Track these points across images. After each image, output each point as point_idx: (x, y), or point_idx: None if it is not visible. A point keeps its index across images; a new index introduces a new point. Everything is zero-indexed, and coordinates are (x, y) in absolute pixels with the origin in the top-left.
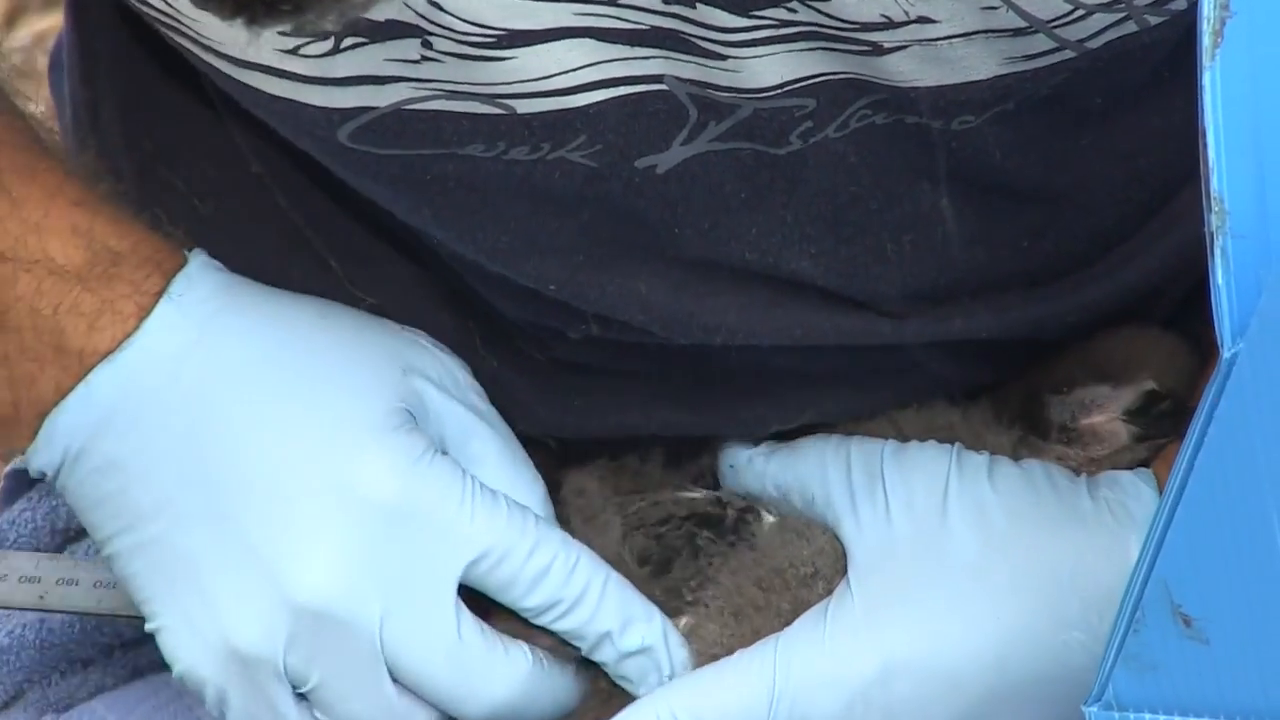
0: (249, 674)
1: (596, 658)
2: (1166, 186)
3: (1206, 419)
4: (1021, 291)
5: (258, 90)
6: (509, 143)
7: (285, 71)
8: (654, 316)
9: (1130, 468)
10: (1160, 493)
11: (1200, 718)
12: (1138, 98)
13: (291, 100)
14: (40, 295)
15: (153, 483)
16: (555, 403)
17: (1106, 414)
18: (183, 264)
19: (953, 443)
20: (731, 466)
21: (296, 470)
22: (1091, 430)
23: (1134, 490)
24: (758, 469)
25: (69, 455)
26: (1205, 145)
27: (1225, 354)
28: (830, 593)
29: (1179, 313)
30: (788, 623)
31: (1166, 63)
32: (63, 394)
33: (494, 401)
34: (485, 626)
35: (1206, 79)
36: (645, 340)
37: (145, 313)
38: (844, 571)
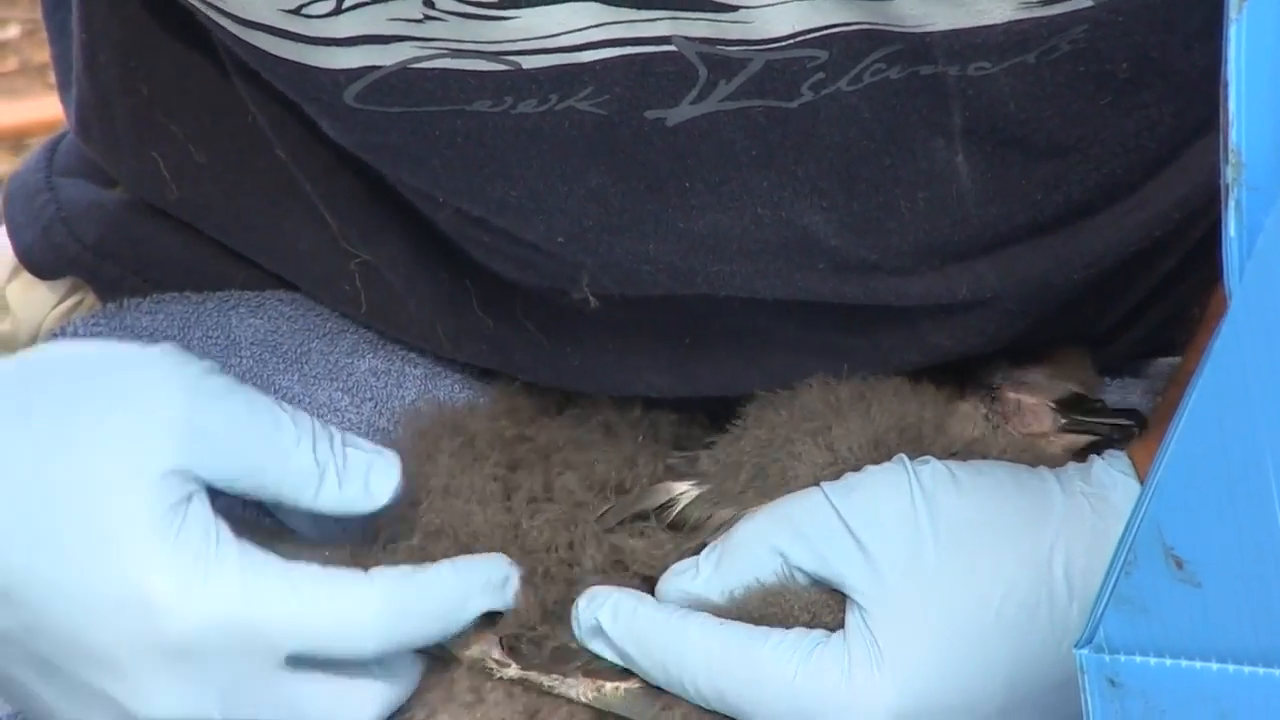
0: None
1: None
2: (1177, 136)
3: (1203, 365)
4: (1028, 242)
5: (264, 52)
6: (516, 97)
7: (288, 32)
8: (660, 271)
9: (1057, 457)
10: (1136, 478)
11: (1191, 660)
12: (1166, 67)
13: (297, 63)
14: None
15: None
16: (552, 361)
17: (1037, 397)
18: None
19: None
20: (686, 596)
21: (90, 606)
22: (1018, 404)
23: (1109, 480)
24: (718, 587)
25: None
26: (1226, 98)
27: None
28: (830, 627)
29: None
30: None
31: (1198, 36)
32: None
33: (490, 358)
34: (321, 686)
35: (1232, 32)
36: (647, 297)
37: None
38: (840, 613)
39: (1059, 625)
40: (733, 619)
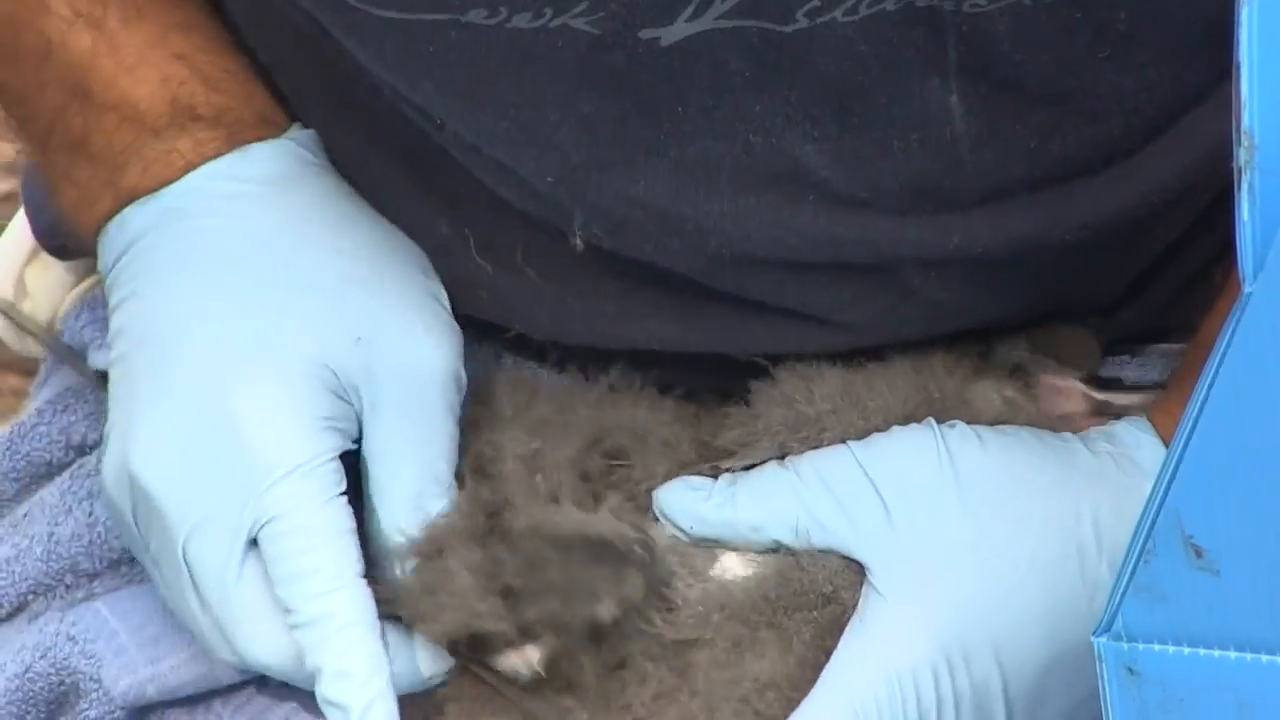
0: (118, 510)
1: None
2: (1175, 102)
3: (1223, 351)
4: (1023, 198)
5: None
6: (510, 9)
7: None
8: (650, 215)
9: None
10: (1159, 438)
11: (1209, 649)
12: (1165, 26)
13: None
14: (116, 134)
15: (126, 312)
16: (553, 310)
17: (1066, 380)
18: (257, 139)
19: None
20: (689, 514)
21: (197, 368)
22: (1054, 386)
23: (1133, 440)
24: (726, 518)
25: (106, 267)
26: (1238, 79)
27: (1246, 289)
28: (850, 607)
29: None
30: (821, 646)
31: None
32: (109, 219)
33: (491, 307)
34: (268, 595)
35: (1244, 13)
36: (642, 252)
37: (190, 169)
38: (859, 585)
39: (1090, 581)
40: (749, 597)
